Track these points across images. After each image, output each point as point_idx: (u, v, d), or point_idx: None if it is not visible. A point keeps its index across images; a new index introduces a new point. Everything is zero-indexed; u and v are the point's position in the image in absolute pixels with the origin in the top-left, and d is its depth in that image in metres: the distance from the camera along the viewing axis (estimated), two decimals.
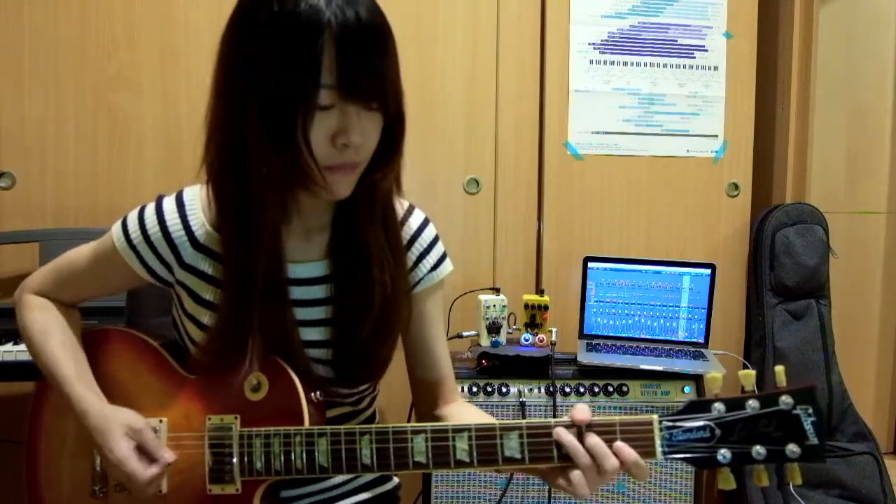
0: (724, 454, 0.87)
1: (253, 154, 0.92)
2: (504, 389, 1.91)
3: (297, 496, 1.15)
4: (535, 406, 1.91)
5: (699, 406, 0.88)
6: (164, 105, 2.11)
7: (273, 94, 0.88)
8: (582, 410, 0.91)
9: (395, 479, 1.26)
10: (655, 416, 0.89)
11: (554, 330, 2.02)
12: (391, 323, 1.07)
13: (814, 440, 0.85)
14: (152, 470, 0.99)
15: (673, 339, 2.13)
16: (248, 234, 0.98)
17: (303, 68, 0.86)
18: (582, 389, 1.92)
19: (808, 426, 0.85)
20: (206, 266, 1.05)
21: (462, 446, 0.93)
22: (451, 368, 1.19)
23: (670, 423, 0.89)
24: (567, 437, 0.90)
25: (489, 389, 1.91)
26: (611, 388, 1.93)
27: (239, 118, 0.92)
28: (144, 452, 1.00)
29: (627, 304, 2.15)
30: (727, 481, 0.89)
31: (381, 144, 0.97)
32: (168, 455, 1.01)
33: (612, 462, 0.88)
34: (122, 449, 0.98)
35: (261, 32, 0.88)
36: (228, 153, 0.95)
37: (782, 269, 2.30)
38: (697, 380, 1.92)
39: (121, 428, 0.99)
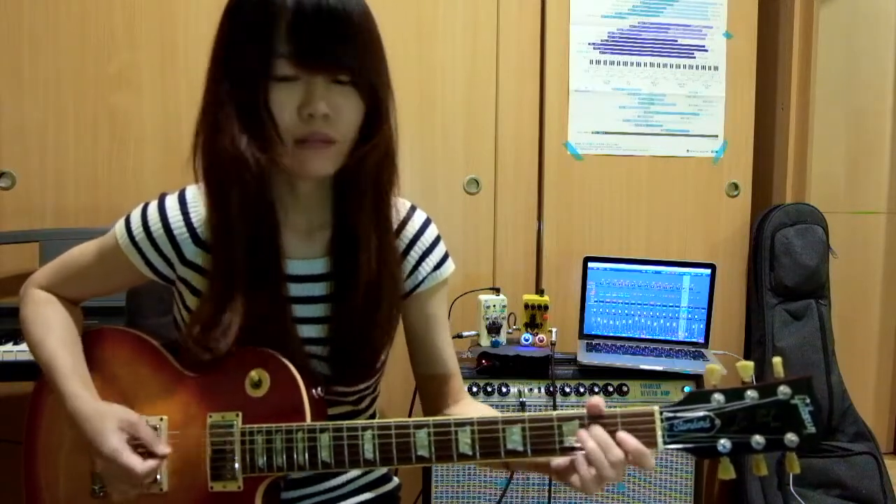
0: (724, 444, 0.87)
1: (225, 127, 0.95)
2: (504, 389, 1.91)
3: (298, 497, 1.14)
4: (535, 406, 1.91)
5: (699, 397, 0.89)
6: (164, 105, 2.11)
7: (237, 66, 0.94)
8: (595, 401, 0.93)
9: (396, 480, 1.26)
10: (656, 408, 0.90)
11: (554, 330, 2.02)
12: (388, 321, 1.08)
13: (812, 429, 0.85)
14: (149, 463, 0.98)
15: (673, 339, 2.13)
16: (227, 208, 0.99)
17: (259, 38, 0.92)
18: (582, 389, 1.92)
19: (805, 416, 0.85)
20: (206, 261, 1.06)
21: (465, 439, 0.93)
22: (457, 367, 1.20)
23: (671, 414, 0.89)
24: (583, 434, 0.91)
25: (489, 389, 1.91)
26: (611, 388, 1.93)
27: (215, 93, 0.97)
28: (140, 447, 0.99)
29: (627, 304, 2.15)
30: (727, 471, 0.90)
31: (366, 124, 0.99)
32: (164, 448, 1.00)
33: (616, 452, 0.89)
34: (115, 441, 0.97)
35: (230, 13, 0.97)
36: (209, 128, 0.98)
37: (782, 269, 2.30)
38: (697, 380, 1.92)
39: (114, 422, 0.99)
